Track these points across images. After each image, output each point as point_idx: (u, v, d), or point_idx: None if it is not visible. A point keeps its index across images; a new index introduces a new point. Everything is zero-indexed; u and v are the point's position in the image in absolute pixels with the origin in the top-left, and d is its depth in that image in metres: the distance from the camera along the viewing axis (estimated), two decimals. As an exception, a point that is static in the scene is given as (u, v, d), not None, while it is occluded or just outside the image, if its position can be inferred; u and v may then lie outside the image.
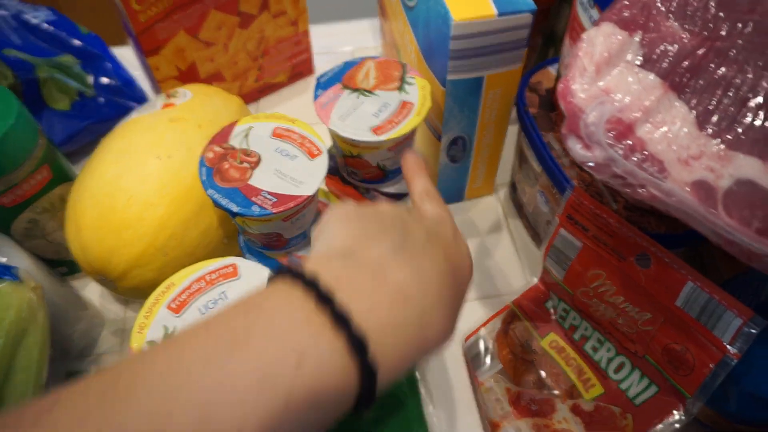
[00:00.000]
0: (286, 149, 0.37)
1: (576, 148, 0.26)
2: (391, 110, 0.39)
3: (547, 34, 0.56)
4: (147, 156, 0.39)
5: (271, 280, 0.23)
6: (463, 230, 0.52)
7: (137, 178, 0.39)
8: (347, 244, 0.25)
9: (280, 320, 0.20)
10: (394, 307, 0.22)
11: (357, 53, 0.67)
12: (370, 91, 0.41)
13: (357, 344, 0.21)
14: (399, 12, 0.49)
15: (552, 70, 0.47)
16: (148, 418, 0.18)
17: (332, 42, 0.67)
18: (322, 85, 0.41)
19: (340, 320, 0.21)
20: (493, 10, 0.37)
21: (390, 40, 0.58)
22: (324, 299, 0.21)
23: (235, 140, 0.37)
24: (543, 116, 0.44)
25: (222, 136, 0.38)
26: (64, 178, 0.43)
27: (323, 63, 0.64)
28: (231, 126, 0.38)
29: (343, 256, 0.24)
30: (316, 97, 0.41)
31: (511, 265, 0.49)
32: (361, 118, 0.39)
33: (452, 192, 0.52)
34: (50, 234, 0.43)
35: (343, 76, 0.42)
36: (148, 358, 0.20)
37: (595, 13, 0.36)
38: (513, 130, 0.54)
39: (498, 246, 0.50)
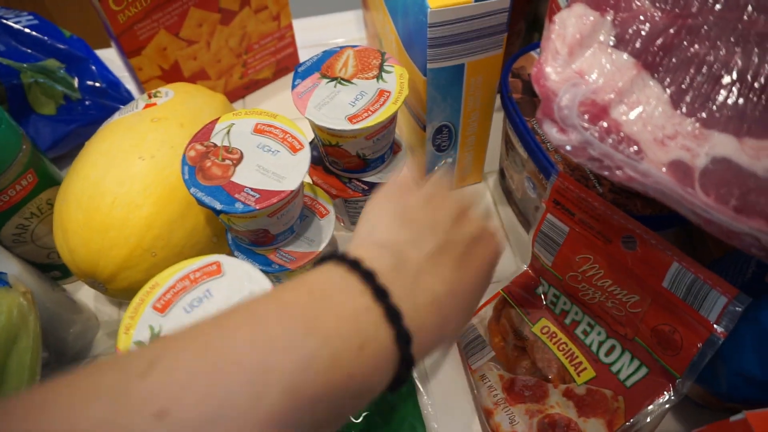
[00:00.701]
0: (268, 145, 0.37)
1: (551, 131, 0.26)
2: (367, 99, 0.39)
3: (531, 19, 0.55)
4: (130, 157, 0.39)
5: (326, 261, 0.25)
6: (454, 219, 0.52)
7: (121, 179, 0.39)
8: (394, 239, 0.27)
9: (350, 308, 0.23)
10: (429, 313, 0.25)
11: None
12: (347, 80, 0.40)
13: (404, 339, 0.23)
14: (379, 2, 0.48)
15: (535, 54, 0.47)
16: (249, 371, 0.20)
17: (317, 35, 0.67)
18: (301, 74, 0.41)
19: (393, 316, 0.23)
20: (470, -4, 0.37)
21: (373, 31, 0.57)
22: (380, 293, 0.24)
23: (217, 137, 0.37)
24: (527, 102, 0.44)
25: (203, 134, 0.37)
26: (50, 183, 0.43)
27: (308, 55, 0.64)
28: (212, 123, 0.38)
29: (390, 253, 0.26)
30: (294, 86, 0.40)
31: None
32: (337, 107, 0.39)
33: (441, 181, 0.52)
34: (40, 239, 0.44)
35: (321, 65, 0.42)
36: (233, 323, 0.22)
37: (572, -6, 0.36)
38: (500, 117, 0.54)
39: (488, 233, 0.50)
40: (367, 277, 0.24)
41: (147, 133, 0.41)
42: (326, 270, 0.25)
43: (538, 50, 0.47)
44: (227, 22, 0.54)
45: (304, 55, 0.64)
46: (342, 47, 0.43)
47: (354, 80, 0.41)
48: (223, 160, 0.36)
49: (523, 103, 0.44)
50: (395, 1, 0.43)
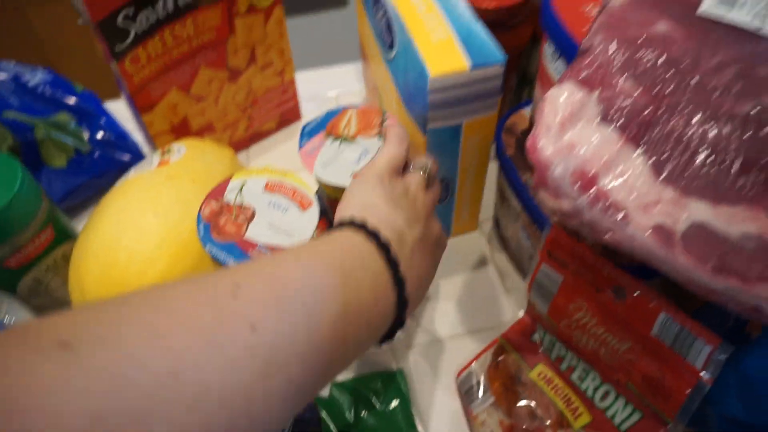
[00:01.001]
0: (278, 202, 0.39)
1: (546, 199, 0.29)
2: (370, 156, 0.42)
3: (521, 74, 0.59)
4: (145, 214, 0.41)
5: (344, 226, 0.30)
6: (451, 266, 0.54)
7: (137, 235, 0.41)
8: (394, 219, 0.32)
9: (372, 270, 0.28)
10: (416, 285, 0.32)
11: (342, 97, 0.70)
12: (351, 139, 0.43)
13: (404, 303, 0.29)
14: (380, 61, 0.52)
15: (526, 112, 0.50)
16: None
17: (318, 87, 0.70)
18: (307, 134, 0.44)
19: (399, 283, 0.29)
20: (466, 64, 0.40)
21: (372, 84, 0.60)
22: (392, 263, 0.29)
23: (230, 195, 0.39)
24: (520, 157, 0.46)
25: (218, 192, 0.40)
26: (66, 237, 0.45)
27: (310, 108, 0.67)
28: (226, 181, 0.40)
29: (394, 230, 0.31)
30: (301, 145, 0.43)
31: (498, 298, 0.51)
32: (342, 165, 0.41)
33: (439, 229, 0.54)
34: (54, 291, 0.45)
35: (326, 125, 0.44)
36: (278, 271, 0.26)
37: (560, 64, 0.39)
38: (494, 167, 0.57)
39: (485, 280, 0.52)
40: (383, 247, 0.29)
41: (161, 190, 0.43)
42: (349, 234, 0.29)
43: (528, 108, 0.50)
44: (235, 79, 0.57)
45: (306, 106, 0.67)
46: (344, 107, 0.46)
47: (357, 138, 0.43)
48: (237, 217, 0.38)
49: (516, 158, 0.46)
50: (396, 63, 0.47)
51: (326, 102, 0.69)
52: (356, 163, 0.42)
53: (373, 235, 0.29)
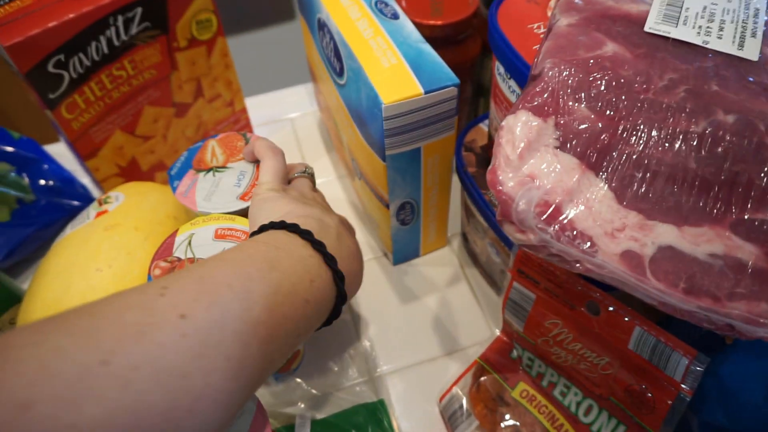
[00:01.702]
0: None
1: (512, 232, 0.28)
2: (249, 176, 0.41)
3: (476, 84, 0.58)
4: (87, 270, 0.39)
5: (264, 230, 0.32)
6: (424, 285, 0.53)
7: (80, 294, 0.38)
8: (311, 212, 0.34)
9: (298, 254, 0.30)
10: (350, 263, 0.34)
11: (299, 120, 0.68)
12: (223, 167, 0.42)
13: (340, 277, 0.31)
14: (331, 86, 0.50)
15: (483, 126, 0.49)
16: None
17: (271, 112, 0.68)
18: (175, 176, 0.42)
19: (330, 260, 0.31)
20: (419, 89, 0.39)
21: (325, 106, 0.59)
22: (317, 245, 0.31)
23: (180, 251, 0.37)
24: (481, 175, 0.46)
25: (165, 250, 0.37)
26: (13, 301, 0.42)
27: (264, 133, 0.65)
28: (172, 237, 0.38)
29: (314, 220, 0.33)
30: (174, 189, 0.42)
31: (473, 315, 0.51)
32: (225, 192, 0.41)
33: (409, 251, 0.53)
34: (5, 362, 0.42)
35: (192, 162, 0.43)
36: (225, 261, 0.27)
37: (513, 83, 0.38)
38: (459, 182, 0.56)
39: (458, 297, 0.52)
40: (306, 234, 0.31)
41: (101, 243, 0.41)
42: (271, 233, 0.31)
43: (486, 122, 0.50)
44: (182, 115, 0.54)
45: (260, 132, 0.65)
46: (204, 141, 0.45)
47: (228, 165, 0.43)
48: (194, 271, 0.36)
49: (478, 176, 0.46)
50: (348, 89, 0.45)
51: (281, 126, 0.67)
52: (238, 186, 0.41)
53: (293, 227, 0.31)
